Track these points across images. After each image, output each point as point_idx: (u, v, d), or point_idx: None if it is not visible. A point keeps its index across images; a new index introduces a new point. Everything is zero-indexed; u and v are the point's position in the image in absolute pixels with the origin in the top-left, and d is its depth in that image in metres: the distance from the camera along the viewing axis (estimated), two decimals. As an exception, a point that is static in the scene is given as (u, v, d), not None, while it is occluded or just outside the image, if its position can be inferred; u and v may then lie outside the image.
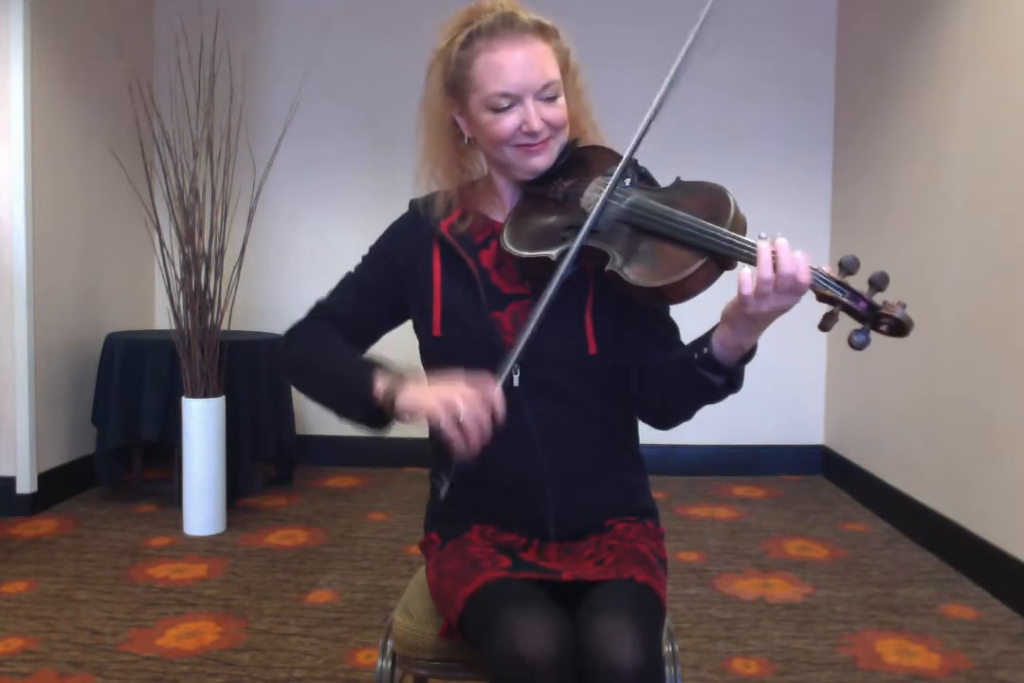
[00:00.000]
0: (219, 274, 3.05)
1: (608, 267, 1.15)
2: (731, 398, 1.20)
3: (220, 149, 3.03)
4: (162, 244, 3.03)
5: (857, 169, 3.69)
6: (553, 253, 1.18)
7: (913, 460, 3.12)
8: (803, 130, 3.95)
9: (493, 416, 1.11)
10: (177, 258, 2.99)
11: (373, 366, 1.23)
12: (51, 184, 3.28)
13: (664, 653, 1.22)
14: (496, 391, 1.12)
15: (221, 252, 3.04)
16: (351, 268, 1.41)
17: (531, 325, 1.15)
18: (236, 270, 3.05)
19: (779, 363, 3.89)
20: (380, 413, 1.20)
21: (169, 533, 3.02)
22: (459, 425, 1.09)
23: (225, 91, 3.14)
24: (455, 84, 1.24)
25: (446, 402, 1.11)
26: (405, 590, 1.39)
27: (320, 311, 1.38)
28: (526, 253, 1.22)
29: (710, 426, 3.85)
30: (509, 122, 1.21)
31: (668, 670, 1.24)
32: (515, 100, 1.21)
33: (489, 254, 1.30)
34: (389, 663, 1.31)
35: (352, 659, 2.10)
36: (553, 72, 1.22)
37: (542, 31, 1.22)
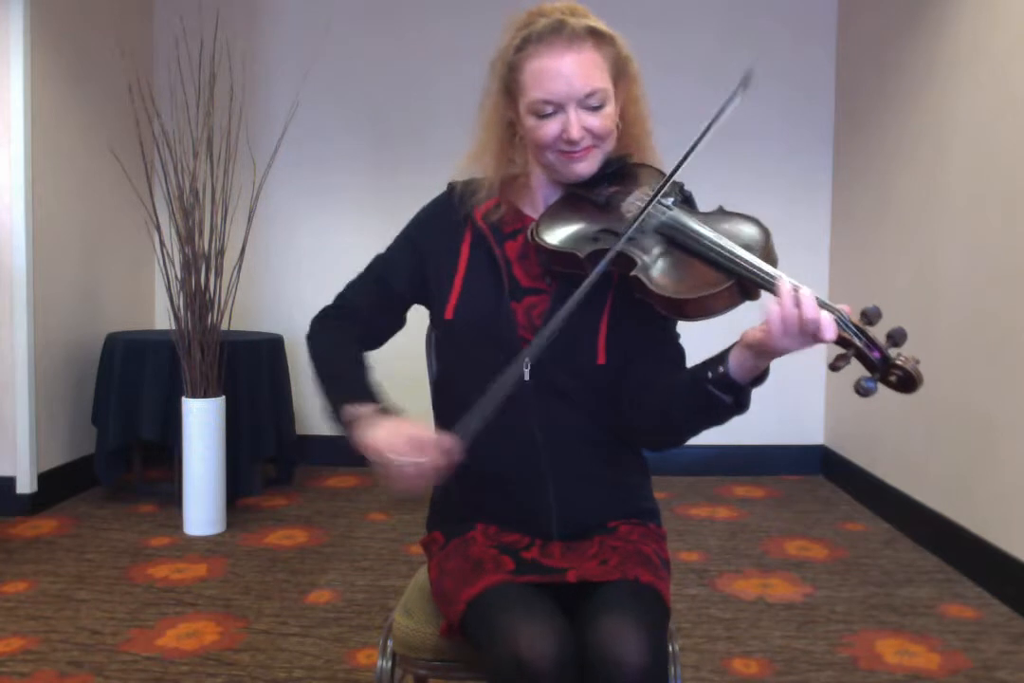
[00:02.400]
0: (219, 274, 3.05)
1: (634, 272, 1.16)
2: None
3: (220, 149, 3.03)
4: (162, 244, 3.03)
5: (857, 169, 3.69)
6: (582, 251, 1.20)
7: (913, 460, 3.12)
8: (803, 130, 3.95)
9: (441, 464, 1.12)
10: (177, 258, 2.99)
11: (359, 389, 1.27)
12: (51, 184, 3.28)
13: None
14: (450, 443, 1.12)
15: (221, 252, 3.04)
16: (358, 262, 1.44)
17: (552, 325, 1.14)
18: (236, 270, 3.05)
19: (779, 363, 3.87)
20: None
21: (169, 533, 3.02)
22: (393, 468, 1.12)
23: (225, 91, 3.14)
24: (508, 87, 1.26)
25: (378, 447, 1.14)
26: (405, 590, 1.39)
27: (341, 300, 1.42)
28: (557, 245, 1.23)
29: (710, 426, 3.85)
30: (550, 129, 1.23)
31: (669, 670, 1.24)
32: (557, 107, 1.22)
33: (515, 246, 1.31)
34: (389, 663, 1.31)
35: (352, 659, 2.10)
36: (600, 80, 1.22)
37: (594, 37, 1.22)
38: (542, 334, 1.14)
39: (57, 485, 3.32)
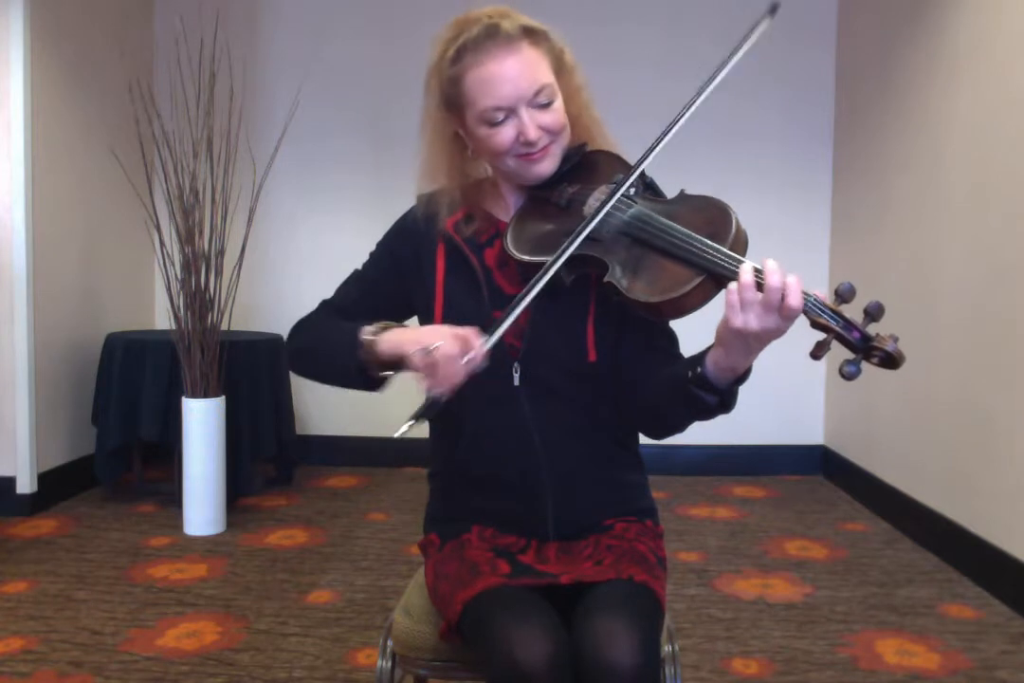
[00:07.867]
0: (219, 274, 3.05)
1: (607, 278, 1.16)
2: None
3: (220, 149, 3.03)
4: (162, 244, 3.03)
5: (857, 169, 3.69)
6: (551, 259, 1.18)
7: (913, 460, 3.12)
8: (803, 130, 3.95)
9: (469, 360, 1.10)
10: (177, 258, 2.99)
11: (366, 322, 1.24)
12: (51, 184, 3.28)
13: (664, 653, 1.22)
14: (478, 338, 1.11)
15: (221, 252, 3.04)
16: (357, 266, 1.41)
17: (513, 313, 1.14)
18: (236, 270, 3.06)
19: (779, 363, 3.87)
20: (369, 367, 1.21)
21: (169, 533, 3.02)
22: (431, 360, 1.10)
23: (225, 91, 3.14)
24: (451, 100, 1.24)
25: (419, 339, 1.13)
26: (405, 590, 1.39)
27: (325, 307, 1.39)
28: (526, 257, 1.22)
29: (710, 426, 3.81)
30: (505, 134, 1.21)
31: (668, 670, 1.24)
32: (509, 112, 1.20)
33: (493, 253, 1.30)
34: (389, 663, 1.31)
35: (352, 659, 2.10)
36: (544, 77, 1.21)
37: (529, 36, 1.21)
38: (503, 319, 1.14)
39: (57, 485, 3.32)
